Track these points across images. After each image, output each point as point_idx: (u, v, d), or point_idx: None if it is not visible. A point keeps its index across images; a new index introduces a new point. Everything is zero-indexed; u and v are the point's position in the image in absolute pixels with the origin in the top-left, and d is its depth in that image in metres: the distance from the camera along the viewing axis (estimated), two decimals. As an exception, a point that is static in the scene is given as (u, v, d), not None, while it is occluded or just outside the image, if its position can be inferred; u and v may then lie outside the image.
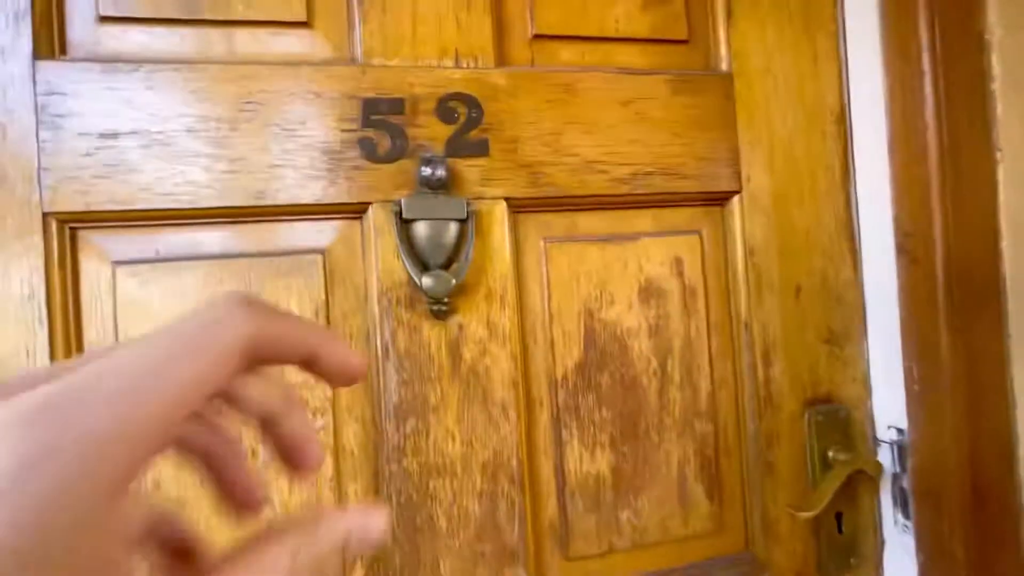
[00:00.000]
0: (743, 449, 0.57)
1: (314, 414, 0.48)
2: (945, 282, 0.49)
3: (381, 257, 0.48)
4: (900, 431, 0.56)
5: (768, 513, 0.56)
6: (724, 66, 0.57)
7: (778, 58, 0.58)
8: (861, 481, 0.57)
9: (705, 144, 0.56)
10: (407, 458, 0.48)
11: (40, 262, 0.42)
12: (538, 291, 0.53)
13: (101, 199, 0.44)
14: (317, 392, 0.48)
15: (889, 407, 0.57)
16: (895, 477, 0.56)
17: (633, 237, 0.55)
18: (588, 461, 0.53)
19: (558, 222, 0.54)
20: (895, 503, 0.57)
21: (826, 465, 0.56)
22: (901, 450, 0.56)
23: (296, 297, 0.48)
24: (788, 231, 0.58)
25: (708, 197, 0.57)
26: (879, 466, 0.54)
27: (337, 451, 0.48)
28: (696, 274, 0.57)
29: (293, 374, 0.20)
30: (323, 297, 0.48)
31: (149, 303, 0.45)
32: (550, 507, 0.53)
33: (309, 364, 0.18)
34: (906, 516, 0.56)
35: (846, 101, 0.59)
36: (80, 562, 0.13)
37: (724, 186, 0.56)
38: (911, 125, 0.52)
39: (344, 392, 0.48)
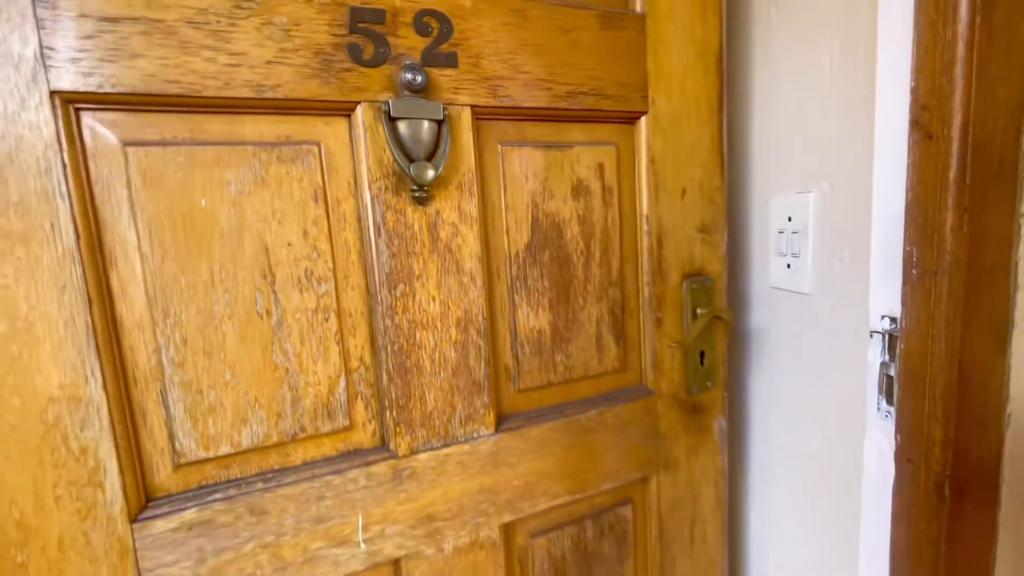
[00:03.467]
0: (641, 308, 0.77)
1: (318, 282, 0.57)
2: (959, 159, 0.43)
3: (371, 150, 0.57)
4: (893, 320, 0.56)
5: (657, 354, 0.78)
6: (639, 7, 0.71)
7: (676, 5, 0.73)
8: (717, 328, 0.81)
9: (623, 71, 0.70)
10: (398, 315, 0.60)
11: (53, 139, 0.46)
12: (496, 186, 0.66)
13: (107, 81, 0.47)
14: (319, 264, 0.57)
15: (886, 297, 0.56)
16: (883, 365, 0.57)
17: (569, 145, 0.69)
18: (533, 319, 0.70)
19: (512, 129, 0.66)
20: (880, 390, 0.57)
21: (695, 318, 0.79)
22: (892, 339, 0.55)
23: (297, 182, 0.56)
24: (679, 146, 0.76)
25: (624, 116, 0.72)
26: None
27: (339, 312, 0.59)
28: (613, 177, 0.73)
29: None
30: (321, 183, 0.57)
31: (162, 182, 0.50)
32: (505, 353, 0.69)
33: None
34: (890, 403, 0.55)
35: (724, 43, 0.77)
36: None
37: (636, 107, 0.72)
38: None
39: (342, 264, 0.58)
